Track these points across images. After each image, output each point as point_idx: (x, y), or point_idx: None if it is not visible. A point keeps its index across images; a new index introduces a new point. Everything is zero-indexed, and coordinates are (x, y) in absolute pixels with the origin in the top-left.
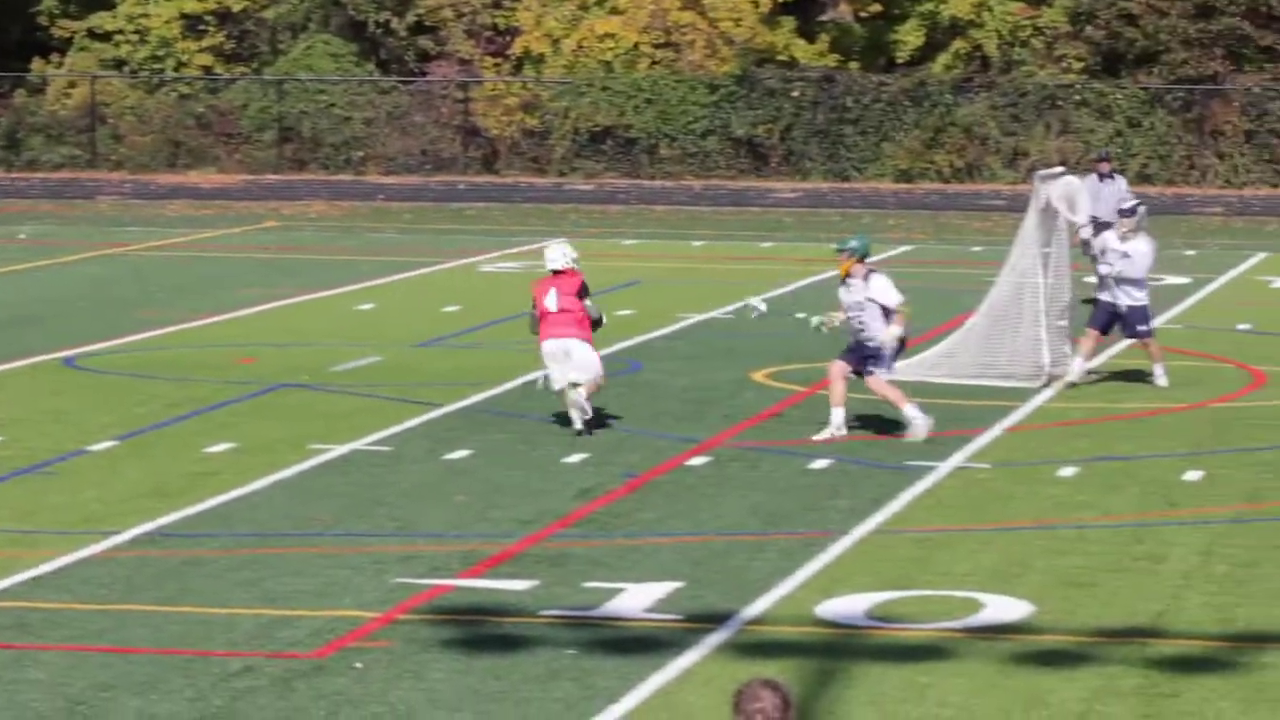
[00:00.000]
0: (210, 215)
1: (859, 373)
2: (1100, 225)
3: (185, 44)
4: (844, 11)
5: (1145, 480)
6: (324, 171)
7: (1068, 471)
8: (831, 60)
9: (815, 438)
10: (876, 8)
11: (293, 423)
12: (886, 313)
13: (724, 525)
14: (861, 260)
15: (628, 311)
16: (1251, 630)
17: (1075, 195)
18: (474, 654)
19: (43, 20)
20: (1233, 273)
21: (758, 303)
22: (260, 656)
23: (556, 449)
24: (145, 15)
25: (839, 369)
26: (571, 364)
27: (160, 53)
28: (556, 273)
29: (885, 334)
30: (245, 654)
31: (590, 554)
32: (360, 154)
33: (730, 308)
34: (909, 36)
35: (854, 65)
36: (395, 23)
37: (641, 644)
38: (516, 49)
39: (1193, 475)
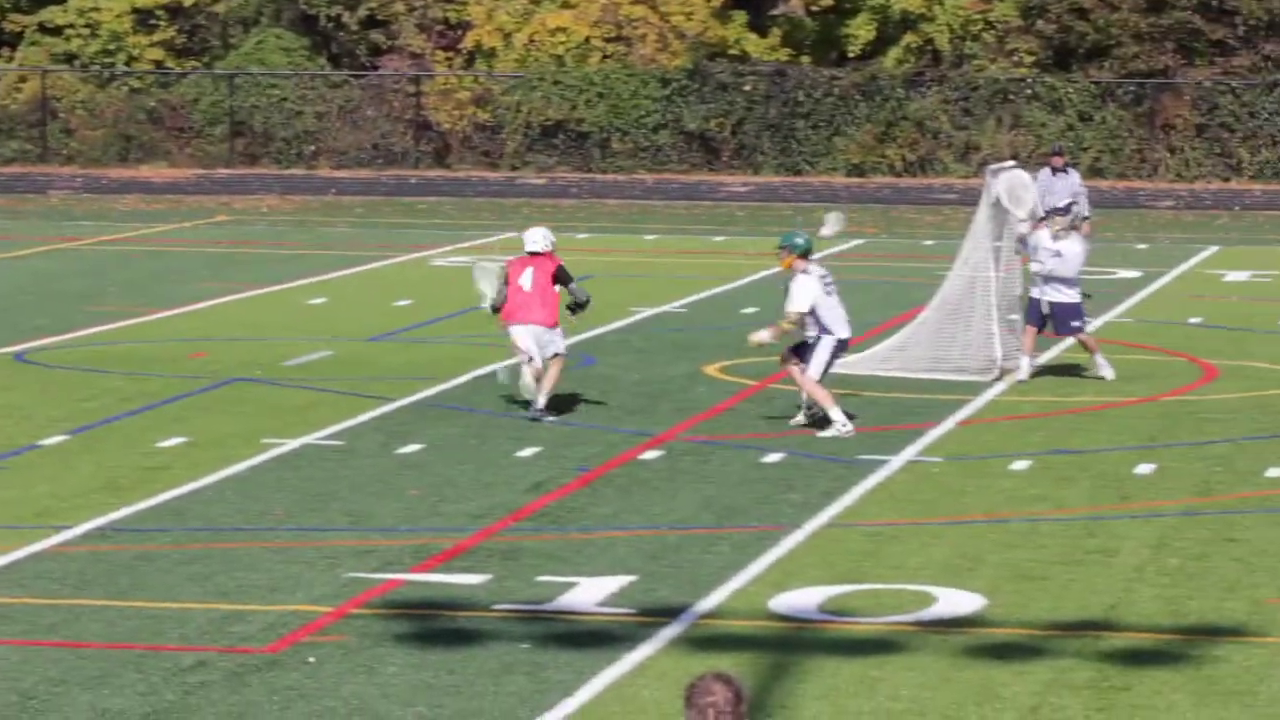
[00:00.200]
0: (162, 210)
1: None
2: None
3: (136, 38)
4: (795, 6)
5: (1097, 474)
6: (276, 166)
7: (1020, 465)
8: (783, 54)
9: (821, 434)
10: (827, 2)
11: (245, 417)
12: (813, 311)
13: (677, 519)
14: (802, 256)
15: None
16: (1203, 623)
17: (1019, 189)
18: (427, 648)
19: None
20: (1183, 266)
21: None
22: (213, 651)
23: (509, 443)
24: (96, 9)
25: (794, 370)
26: (532, 345)
27: (111, 47)
28: (534, 255)
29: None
30: (198, 649)
31: (543, 548)
32: (312, 148)
33: (680, 302)
34: (860, 30)
35: (805, 59)
36: (346, 17)
37: (595, 638)
38: (468, 43)
39: (1144, 469)
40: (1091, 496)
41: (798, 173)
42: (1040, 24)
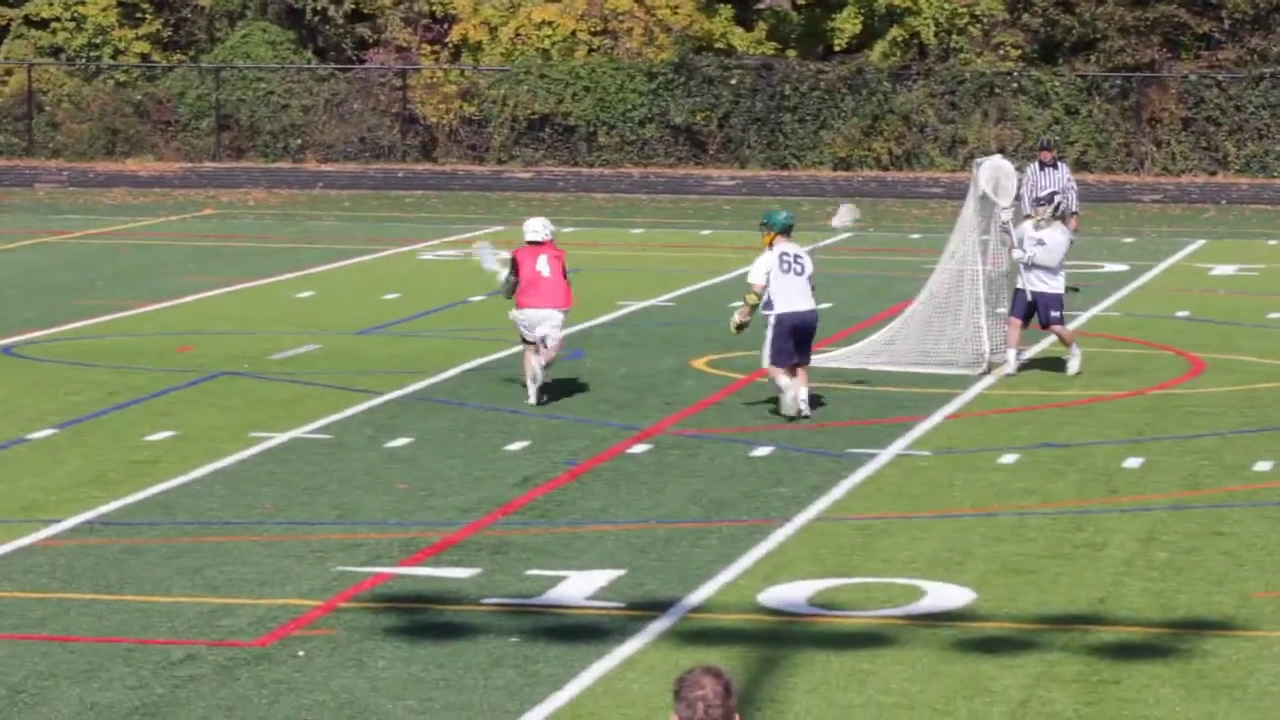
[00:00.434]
0: (148, 203)
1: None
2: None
3: (122, 31)
4: None
5: (1085, 467)
6: (262, 159)
7: (1008, 459)
8: (769, 48)
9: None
10: None
11: (233, 411)
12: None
13: (666, 513)
14: (781, 234)
15: None
16: (1192, 617)
17: (1002, 179)
18: (416, 642)
19: None
20: (1170, 260)
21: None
22: (202, 645)
23: (498, 437)
24: (82, 2)
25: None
26: (549, 330)
27: (97, 40)
28: (537, 244)
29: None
30: (187, 642)
31: (532, 542)
32: (298, 142)
33: (668, 296)
34: (846, 24)
35: (791, 53)
36: (332, 10)
37: (584, 632)
38: (454, 37)
39: (1133, 462)
40: (1080, 490)
41: (784, 166)
42: (1026, 17)
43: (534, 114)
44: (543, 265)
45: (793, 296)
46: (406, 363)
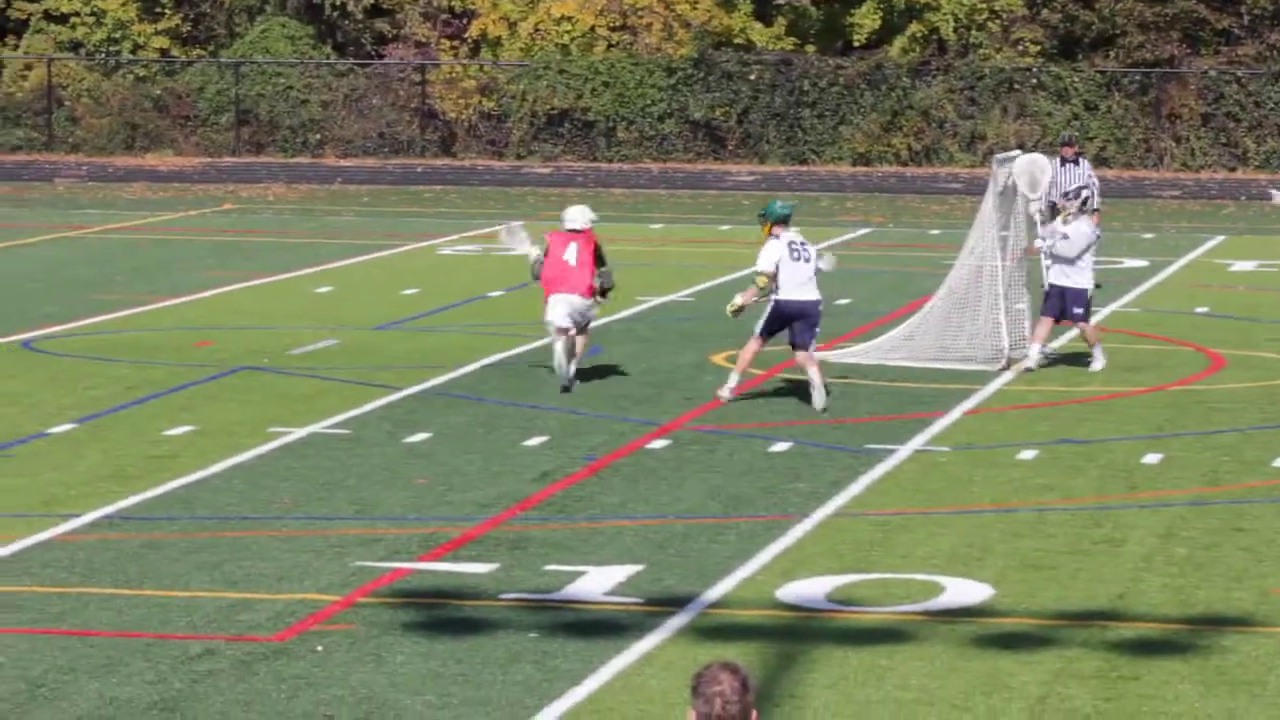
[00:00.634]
0: (168, 198)
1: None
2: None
3: (142, 26)
4: None
5: (1105, 463)
6: (282, 154)
7: (1027, 454)
8: (788, 43)
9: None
10: None
11: (252, 406)
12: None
13: (684, 508)
14: (778, 224)
15: None
16: (1211, 613)
17: (1039, 174)
18: (435, 637)
19: None
20: (1190, 256)
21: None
22: (221, 640)
23: (516, 432)
24: None
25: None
26: (562, 313)
27: (117, 35)
28: (574, 232)
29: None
30: (206, 637)
31: (551, 537)
32: (318, 137)
33: (687, 291)
34: (865, 19)
35: (810, 48)
36: (351, 5)
37: (602, 627)
38: (473, 32)
39: (1152, 458)
40: (1099, 486)
41: (803, 162)
42: (1045, 13)
43: (553, 109)
44: (570, 254)
45: (798, 284)
46: (425, 358)
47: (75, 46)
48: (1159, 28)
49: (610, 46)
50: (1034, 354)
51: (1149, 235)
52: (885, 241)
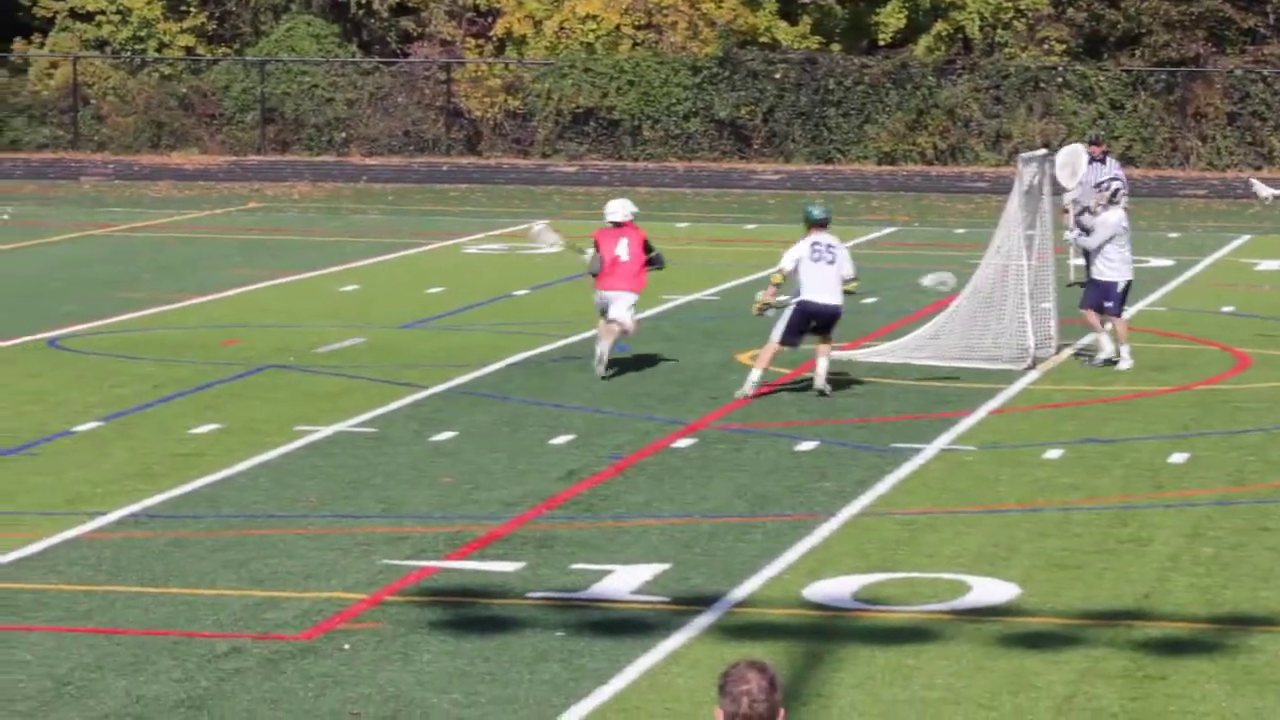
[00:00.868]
0: (193, 196)
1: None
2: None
3: (167, 25)
4: None
5: (1131, 462)
6: (307, 153)
7: (1053, 454)
8: (813, 42)
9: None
10: None
11: (278, 404)
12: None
13: (710, 507)
14: (815, 226)
15: None
16: (1238, 612)
17: (1077, 162)
18: (462, 636)
19: (24, 0)
20: (1216, 255)
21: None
22: (247, 638)
23: (542, 431)
24: None
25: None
26: (621, 310)
27: (142, 33)
28: (618, 225)
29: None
30: (232, 635)
31: (577, 536)
32: (343, 135)
33: (712, 290)
34: (891, 18)
35: (836, 47)
36: (377, 4)
37: (629, 626)
38: (498, 30)
39: (1178, 458)
40: (1125, 485)
41: (829, 161)
42: (1071, 12)
43: (578, 108)
44: (622, 249)
45: (818, 286)
46: (451, 356)
47: (101, 45)
48: (1184, 27)
49: (635, 45)
50: (1117, 350)
51: (1175, 234)
52: (910, 240)
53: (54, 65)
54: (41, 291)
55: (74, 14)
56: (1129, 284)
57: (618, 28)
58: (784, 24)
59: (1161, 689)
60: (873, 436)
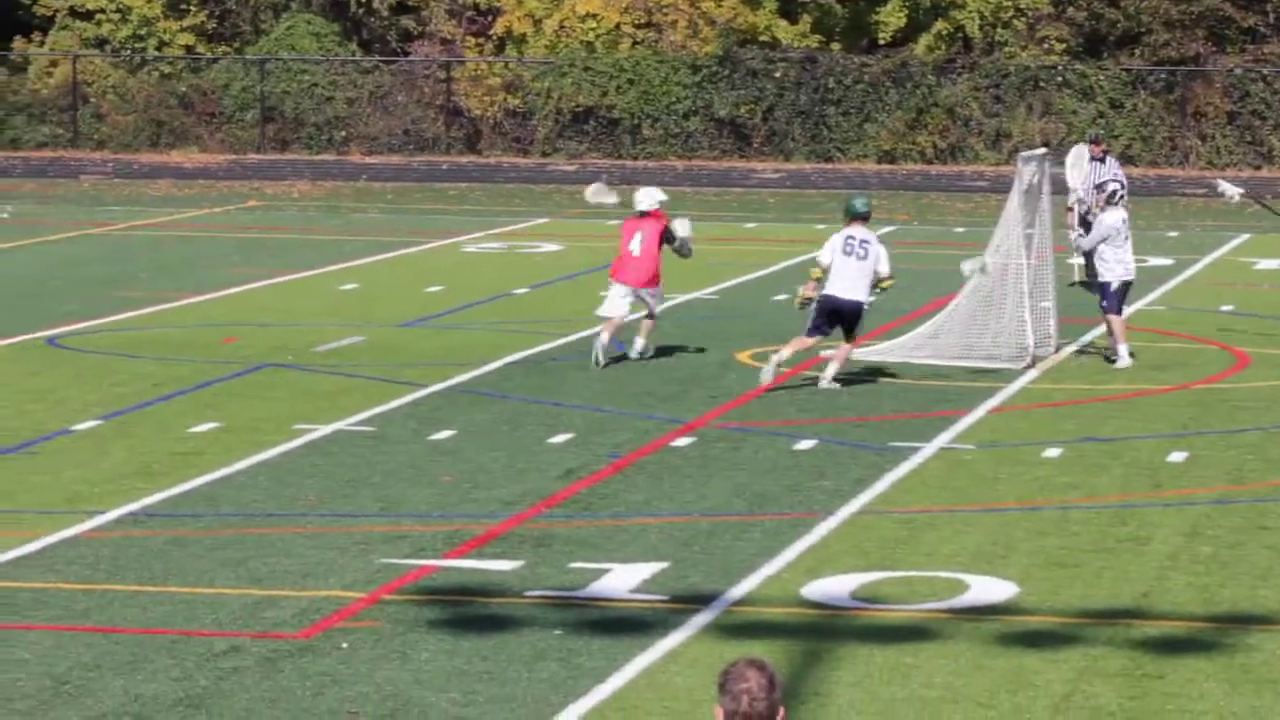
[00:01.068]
0: (193, 195)
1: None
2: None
3: (167, 23)
4: None
5: (1129, 461)
6: (307, 151)
7: (1052, 453)
8: (813, 41)
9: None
10: None
11: (277, 403)
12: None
13: (709, 506)
14: (855, 220)
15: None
16: (1236, 611)
17: (1083, 163)
18: (460, 634)
19: None
20: (1215, 254)
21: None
22: (246, 637)
23: (541, 429)
24: None
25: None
26: (619, 304)
27: (142, 32)
28: (643, 215)
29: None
30: (231, 634)
31: (576, 534)
32: (343, 134)
33: (712, 289)
34: (891, 17)
35: (836, 46)
36: (377, 2)
37: (627, 624)
38: (498, 29)
39: (1177, 456)
40: (1124, 484)
41: (828, 160)
42: (1070, 11)
43: (578, 107)
44: (635, 243)
45: (842, 280)
46: (450, 355)
47: (101, 43)
48: (1184, 26)
49: (635, 44)
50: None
51: (1174, 233)
52: (910, 239)
53: (53, 64)
54: (41, 290)
55: (74, 12)
56: (1126, 284)
57: (618, 26)
58: (784, 23)
59: (1159, 688)
60: (871, 435)
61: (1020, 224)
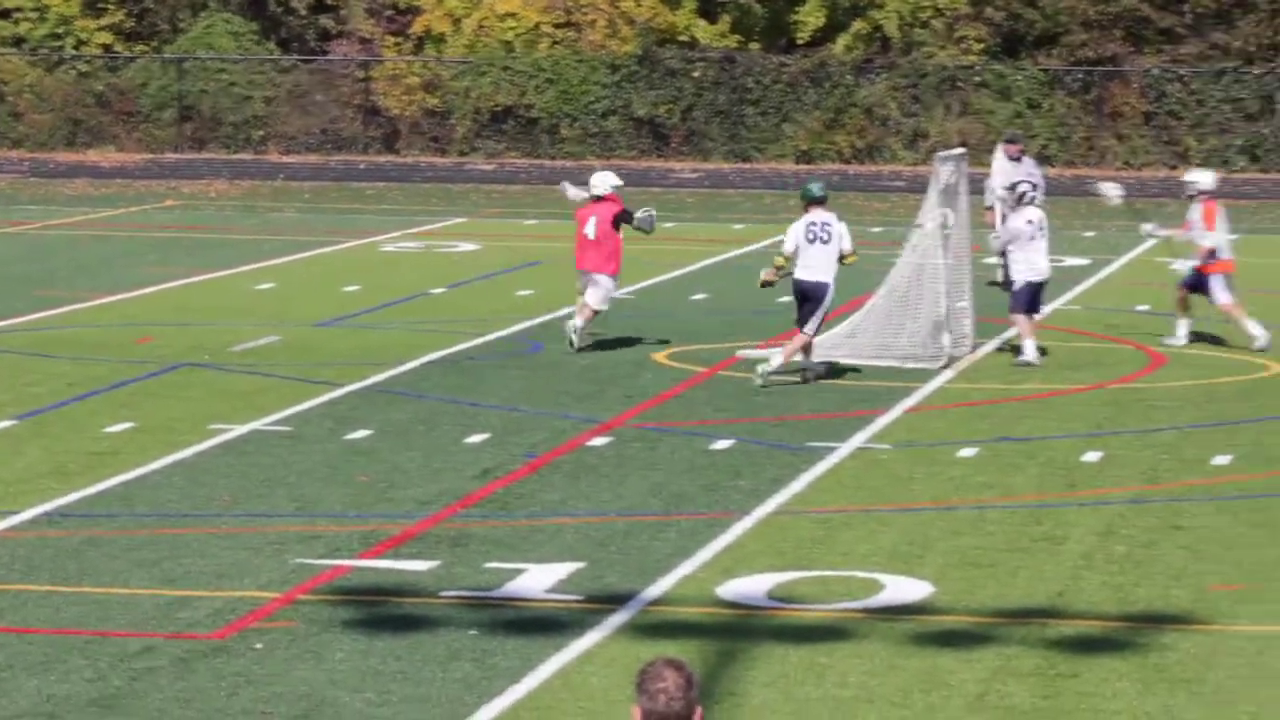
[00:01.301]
0: (110, 194)
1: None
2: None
3: (85, 22)
4: None
5: (1045, 461)
6: (224, 150)
7: (968, 452)
8: (732, 41)
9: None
10: None
11: (193, 402)
12: None
13: (625, 506)
14: (812, 204)
15: (528, 291)
16: (1150, 611)
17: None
18: (375, 635)
19: None
20: (1131, 254)
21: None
22: (160, 637)
23: (457, 429)
24: None
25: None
26: (591, 292)
27: (60, 30)
28: (598, 199)
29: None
30: (145, 634)
31: (491, 534)
32: (260, 133)
33: (629, 289)
34: (809, 17)
35: (755, 46)
36: (295, 1)
37: (542, 625)
38: (417, 28)
39: (1092, 456)
40: (1039, 484)
41: (746, 159)
42: (989, 11)
43: (497, 106)
44: (590, 227)
45: (807, 265)
46: (366, 355)
47: (18, 42)
48: (1102, 26)
49: (554, 43)
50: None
51: (1090, 233)
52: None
53: None
54: None
55: None
56: (1032, 285)
57: (537, 26)
58: (703, 22)
59: (1073, 687)
60: (788, 435)
61: (937, 224)
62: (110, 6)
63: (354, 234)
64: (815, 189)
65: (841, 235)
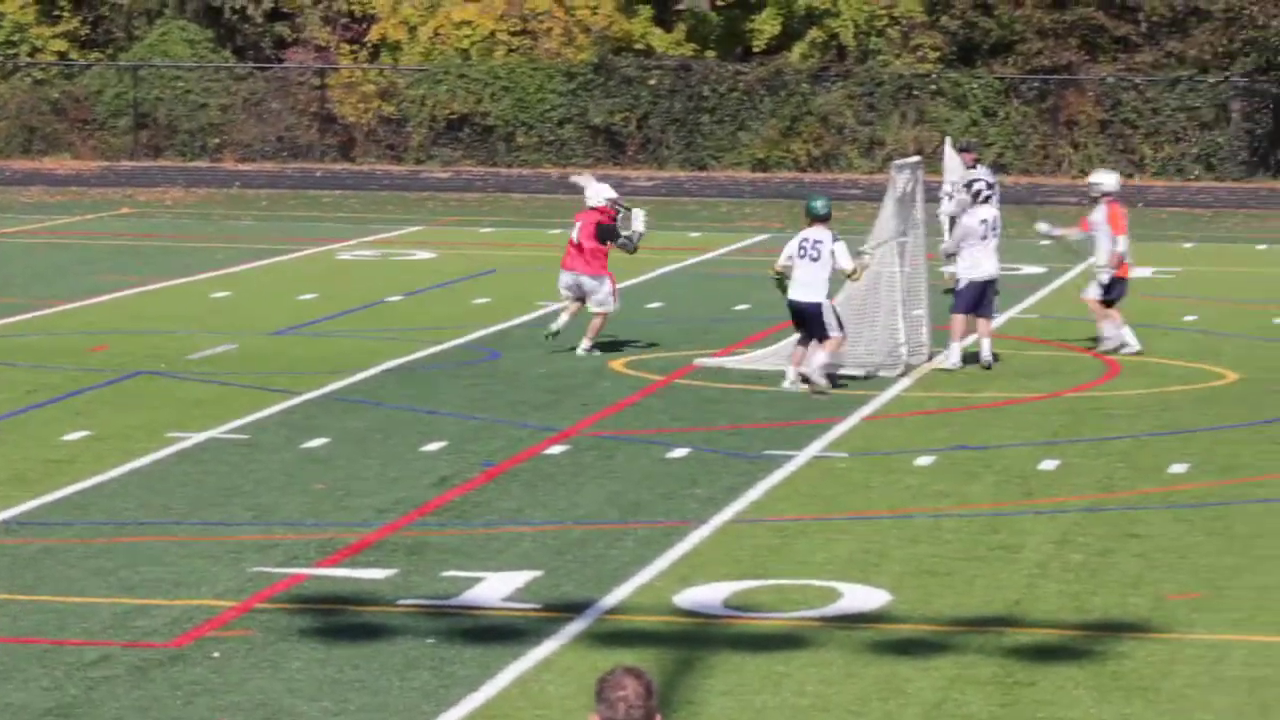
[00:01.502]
0: (65, 201)
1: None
2: None
3: (40, 29)
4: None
5: (1001, 469)
6: (180, 158)
7: (925, 461)
8: (688, 49)
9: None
10: None
11: (149, 411)
12: None
13: (582, 514)
14: (815, 220)
15: (485, 300)
16: (1106, 619)
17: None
18: (332, 643)
19: None
20: (1088, 262)
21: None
22: (116, 646)
23: (414, 437)
24: None
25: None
26: (589, 301)
27: (15, 38)
28: (590, 209)
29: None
30: (101, 643)
31: (448, 543)
32: (216, 141)
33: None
34: (765, 25)
35: (711, 54)
36: (251, 9)
37: (500, 633)
38: (373, 36)
39: (1048, 464)
40: (995, 492)
41: (702, 167)
42: (944, 20)
43: (452, 114)
44: (576, 230)
45: (798, 283)
46: (323, 363)
47: None
48: (1057, 34)
49: (510, 51)
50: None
51: (1046, 241)
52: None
53: None
54: None
55: None
56: (975, 283)
57: (492, 34)
58: (659, 30)
59: (1030, 695)
60: (745, 443)
61: (893, 232)
62: (65, 14)
63: (310, 242)
64: (816, 206)
65: (835, 254)
